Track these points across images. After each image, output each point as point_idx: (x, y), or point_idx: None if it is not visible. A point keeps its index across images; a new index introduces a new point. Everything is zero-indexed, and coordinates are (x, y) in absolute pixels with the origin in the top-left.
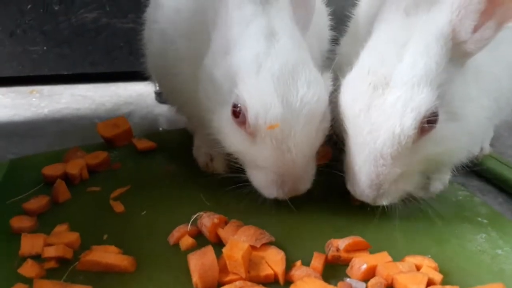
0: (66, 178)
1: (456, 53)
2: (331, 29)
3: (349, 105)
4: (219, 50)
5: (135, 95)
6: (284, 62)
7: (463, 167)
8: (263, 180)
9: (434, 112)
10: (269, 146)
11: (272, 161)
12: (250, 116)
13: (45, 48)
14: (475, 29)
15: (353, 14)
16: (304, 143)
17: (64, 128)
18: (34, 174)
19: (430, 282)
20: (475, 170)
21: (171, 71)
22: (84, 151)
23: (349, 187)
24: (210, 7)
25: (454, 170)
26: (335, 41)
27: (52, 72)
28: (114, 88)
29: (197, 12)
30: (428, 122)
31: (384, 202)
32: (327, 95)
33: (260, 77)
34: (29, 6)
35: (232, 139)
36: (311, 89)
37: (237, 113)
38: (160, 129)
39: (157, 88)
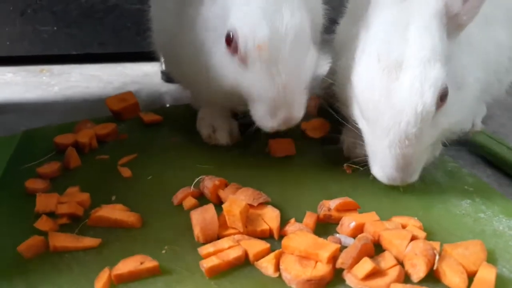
0: (77, 147)
1: (451, 27)
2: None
3: (367, 94)
4: None
5: (141, 74)
6: None
7: (455, 142)
8: (259, 111)
9: (446, 86)
10: (260, 70)
11: (264, 86)
12: (241, 39)
13: (55, 28)
14: (465, 0)
15: None
16: (293, 66)
17: (74, 104)
18: (46, 144)
19: (413, 239)
20: (466, 146)
21: (173, 41)
22: (93, 123)
23: (376, 172)
24: None
25: (445, 144)
26: (333, 21)
27: (62, 52)
28: (121, 68)
29: None
30: (441, 96)
31: (412, 180)
32: (308, 27)
33: (249, 6)
34: None
35: (227, 72)
36: (294, 18)
37: (230, 41)
38: (167, 105)
39: (163, 67)
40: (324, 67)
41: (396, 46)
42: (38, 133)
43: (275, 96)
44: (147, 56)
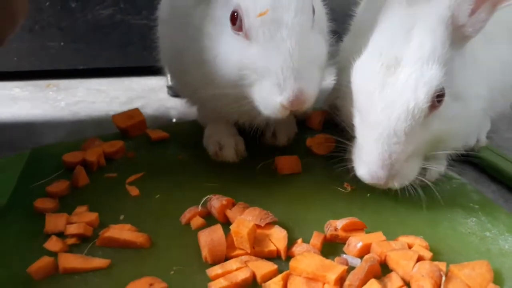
0: (85, 165)
1: (456, 37)
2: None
3: (362, 85)
4: None
5: (147, 89)
6: None
7: (460, 156)
8: (266, 88)
9: (442, 88)
10: (263, 39)
11: (269, 55)
12: (244, 12)
13: (62, 43)
14: (472, 12)
15: (355, 13)
16: (299, 32)
17: (81, 119)
18: (54, 162)
19: (420, 259)
20: (471, 161)
21: (180, 55)
22: (101, 140)
23: (360, 171)
24: None
25: (449, 160)
26: (339, 37)
27: (69, 67)
28: (128, 82)
29: None
30: (437, 98)
31: (396, 184)
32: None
33: None
34: (47, 4)
35: (233, 55)
36: None
37: (235, 19)
38: (174, 120)
39: (169, 82)
40: (329, 82)
41: (398, 44)
42: (46, 151)
43: (281, 63)
44: (153, 70)
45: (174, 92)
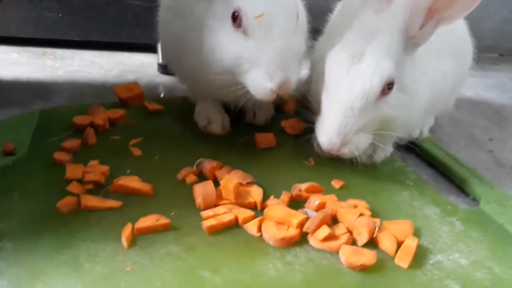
0: (92, 127)
1: (408, 43)
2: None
3: (333, 69)
4: None
5: (138, 64)
6: None
7: (406, 145)
8: (258, 75)
9: (392, 79)
10: (259, 36)
11: (263, 49)
12: (244, 13)
13: (60, 15)
14: (421, 26)
15: (329, 19)
16: (286, 33)
17: (80, 87)
18: (62, 123)
19: (361, 215)
20: (414, 151)
21: (180, 41)
22: (104, 107)
23: (319, 137)
24: None
25: (396, 147)
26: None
27: (64, 37)
28: (119, 56)
29: None
30: (388, 86)
31: (347, 150)
32: (295, 8)
33: None
34: None
35: (232, 46)
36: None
37: (236, 17)
38: (161, 95)
39: (160, 60)
40: (303, 73)
41: (363, 41)
42: (54, 113)
43: (273, 57)
44: (143, 47)
45: (163, 69)
